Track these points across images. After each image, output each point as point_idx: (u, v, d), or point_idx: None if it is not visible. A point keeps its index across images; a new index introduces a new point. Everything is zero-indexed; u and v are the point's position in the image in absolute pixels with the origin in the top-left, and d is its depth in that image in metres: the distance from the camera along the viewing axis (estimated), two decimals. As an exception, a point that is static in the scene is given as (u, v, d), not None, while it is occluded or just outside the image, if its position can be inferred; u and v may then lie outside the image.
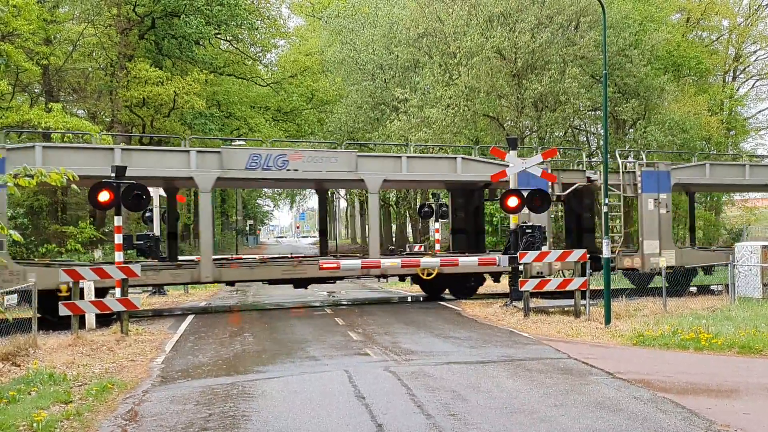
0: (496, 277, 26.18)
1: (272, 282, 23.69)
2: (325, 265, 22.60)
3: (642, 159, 27.05)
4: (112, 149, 20.73)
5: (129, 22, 37.79)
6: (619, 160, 26.60)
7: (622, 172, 26.01)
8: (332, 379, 11.65)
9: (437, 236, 31.20)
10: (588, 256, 19.71)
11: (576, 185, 25.27)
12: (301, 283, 23.46)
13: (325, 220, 29.25)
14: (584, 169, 26.98)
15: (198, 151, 21.96)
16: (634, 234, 29.89)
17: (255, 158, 21.91)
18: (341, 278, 24.33)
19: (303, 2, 61.00)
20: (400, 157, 24.15)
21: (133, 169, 19.57)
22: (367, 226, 65.94)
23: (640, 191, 25.92)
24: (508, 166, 21.84)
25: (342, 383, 11.23)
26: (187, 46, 38.89)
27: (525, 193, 20.90)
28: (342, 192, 75.44)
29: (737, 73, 53.76)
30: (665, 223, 26.12)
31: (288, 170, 21.97)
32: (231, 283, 24.03)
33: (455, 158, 24.90)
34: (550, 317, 19.16)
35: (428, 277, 23.50)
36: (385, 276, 24.79)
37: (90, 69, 38.64)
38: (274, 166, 22.01)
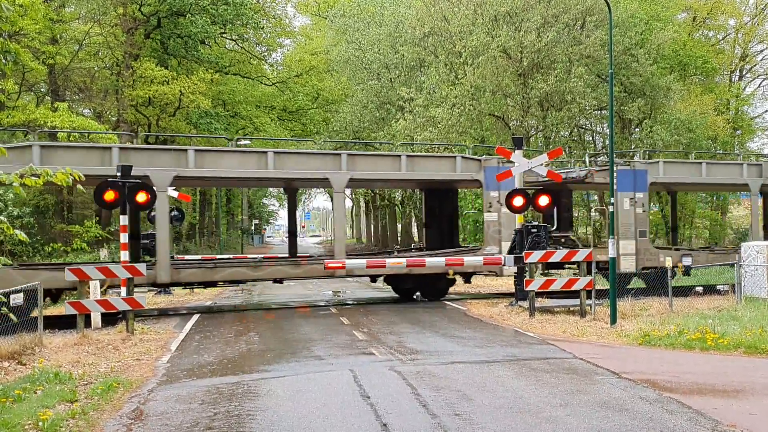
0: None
1: None
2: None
3: None
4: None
5: (135, 22, 37.87)
6: None
7: None
8: (337, 378, 11.65)
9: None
10: None
11: None
12: None
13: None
14: None
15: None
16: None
17: None
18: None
19: (308, 1, 61.00)
20: None
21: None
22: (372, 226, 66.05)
23: None
24: None
25: (347, 382, 11.23)
26: (193, 45, 38.97)
27: (530, 192, 20.90)
28: (348, 191, 75.35)
29: (744, 73, 53.68)
30: None
31: None
32: None
33: None
34: (555, 317, 19.13)
35: None
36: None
37: (96, 68, 38.75)
38: None
